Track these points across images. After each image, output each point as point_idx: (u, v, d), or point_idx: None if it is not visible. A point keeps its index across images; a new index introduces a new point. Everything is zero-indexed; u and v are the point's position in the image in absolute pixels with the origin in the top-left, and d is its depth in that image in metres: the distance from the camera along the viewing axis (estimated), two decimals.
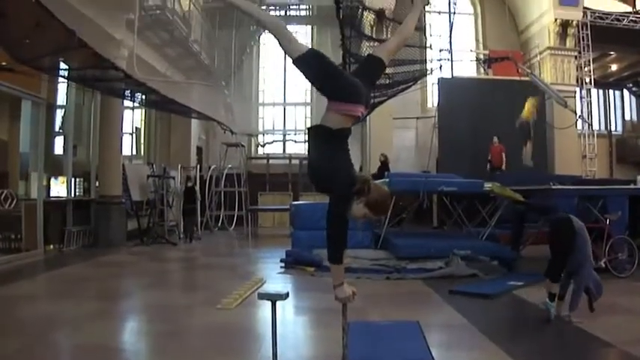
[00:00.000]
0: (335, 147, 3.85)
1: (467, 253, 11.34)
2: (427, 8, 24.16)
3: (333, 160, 3.81)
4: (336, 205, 3.73)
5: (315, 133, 3.94)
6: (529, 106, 20.64)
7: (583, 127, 23.01)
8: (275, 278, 10.92)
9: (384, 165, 19.55)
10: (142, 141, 22.32)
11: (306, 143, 4.01)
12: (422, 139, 23.22)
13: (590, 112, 23.57)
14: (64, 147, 15.68)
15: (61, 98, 15.65)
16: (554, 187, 11.78)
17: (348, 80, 3.89)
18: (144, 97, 14.66)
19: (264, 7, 25.90)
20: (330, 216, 3.73)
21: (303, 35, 26.98)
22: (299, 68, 3.90)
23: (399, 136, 22.59)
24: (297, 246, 13.07)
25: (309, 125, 3.99)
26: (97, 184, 16.34)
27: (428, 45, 20.19)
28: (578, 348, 6.32)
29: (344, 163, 3.85)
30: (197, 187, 18.68)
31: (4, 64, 10.62)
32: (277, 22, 4.02)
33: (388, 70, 16.26)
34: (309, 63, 3.86)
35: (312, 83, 4.08)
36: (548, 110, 21.00)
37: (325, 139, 3.85)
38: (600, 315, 7.18)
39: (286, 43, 3.90)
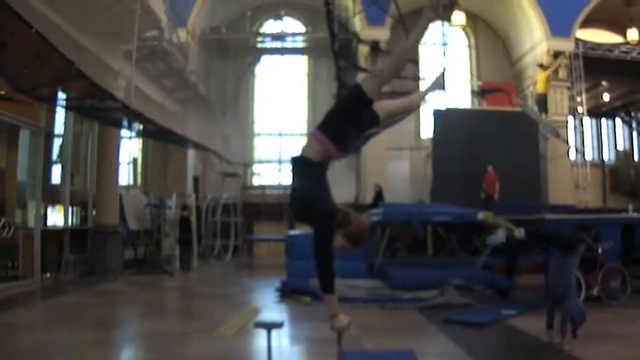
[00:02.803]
0: (315, 178, 3.97)
1: (461, 283, 11.38)
2: (420, 40, 24.43)
3: (313, 191, 3.94)
4: (321, 237, 3.85)
5: (298, 164, 4.08)
6: (541, 78, 20.86)
7: (576, 157, 23.13)
8: (271, 307, 10.96)
9: (379, 195, 19.63)
10: (139, 170, 22.39)
11: (290, 172, 4.14)
12: (416, 169, 23.34)
13: (582, 142, 23.72)
14: (61, 176, 15.74)
15: (59, 127, 15.71)
16: (547, 217, 11.87)
17: (352, 137, 4.08)
18: (141, 127, 14.76)
19: (260, 39, 26.22)
20: (316, 249, 3.84)
21: (299, 66, 27.24)
22: (355, 88, 4.13)
23: (393, 166, 22.70)
24: (293, 275, 13.11)
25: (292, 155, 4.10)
26: (94, 213, 16.37)
27: (422, 77, 20.45)
28: None
29: (324, 194, 3.97)
30: (193, 218, 18.48)
31: (2, 93, 10.71)
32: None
33: (384, 102, 16.47)
34: (359, 100, 4.03)
35: (339, 106, 4.26)
36: (541, 140, 21.14)
37: (307, 170, 3.99)
38: (593, 342, 7.27)
39: (379, 74, 4.23)
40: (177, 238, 17.62)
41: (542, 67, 20.14)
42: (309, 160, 3.99)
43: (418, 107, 5.58)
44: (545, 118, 20.90)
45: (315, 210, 3.91)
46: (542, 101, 21.17)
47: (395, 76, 4.37)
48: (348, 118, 4.07)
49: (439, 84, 4.75)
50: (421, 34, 4.28)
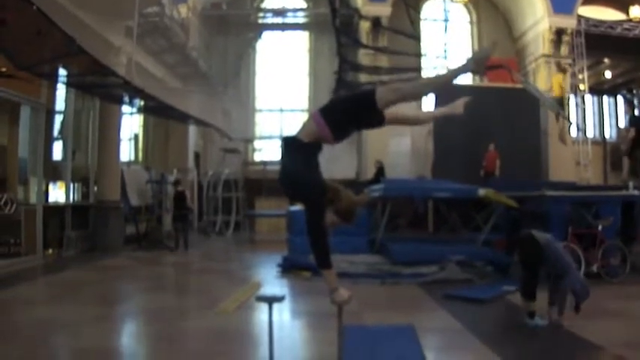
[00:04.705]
0: (306, 158, 4.02)
1: (462, 259, 11.42)
2: (422, 16, 24.43)
3: (303, 170, 3.99)
4: (313, 214, 3.90)
5: (289, 144, 4.12)
6: (556, 82, 20.68)
7: (577, 134, 23.10)
8: (272, 282, 11.04)
9: (380, 171, 19.64)
10: (141, 146, 22.41)
11: (280, 151, 4.21)
12: (417, 145, 23.26)
13: (584, 119, 23.67)
14: (63, 152, 15.75)
15: (60, 104, 15.68)
16: (547, 193, 11.89)
17: (350, 130, 4.17)
18: (142, 103, 14.76)
19: (261, 15, 26.19)
20: (309, 226, 3.90)
21: (300, 42, 27.16)
22: (369, 93, 4.12)
23: (394, 142, 22.65)
24: (294, 251, 13.13)
25: (284, 135, 4.18)
26: (96, 189, 16.40)
27: (423, 53, 20.35)
28: (569, 351, 6.43)
29: (314, 173, 4.02)
30: (188, 192, 18.18)
31: (3, 70, 10.70)
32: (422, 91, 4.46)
33: (385, 78, 16.40)
34: (368, 106, 4.07)
35: (347, 100, 4.32)
36: (542, 117, 21.08)
37: (298, 150, 4.03)
38: (592, 319, 7.30)
39: (398, 93, 4.18)
40: (172, 215, 17.46)
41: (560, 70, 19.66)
42: (301, 141, 4.04)
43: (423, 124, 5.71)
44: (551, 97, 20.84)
45: (305, 188, 3.96)
46: (560, 104, 20.80)
47: (411, 100, 4.38)
48: (351, 115, 4.11)
49: (455, 112, 4.63)
50: (455, 77, 4.24)
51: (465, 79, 24.42)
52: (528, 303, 7.36)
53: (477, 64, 4.14)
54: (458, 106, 4.55)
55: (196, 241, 17.82)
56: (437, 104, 19.87)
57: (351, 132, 4.26)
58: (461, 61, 4.20)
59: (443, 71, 4.32)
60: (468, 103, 4.54)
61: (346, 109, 4.15)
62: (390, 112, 4.24)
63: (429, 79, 4.56)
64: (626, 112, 18.98)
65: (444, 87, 4.26)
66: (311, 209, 3.94)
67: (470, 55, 3.88)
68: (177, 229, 16.93)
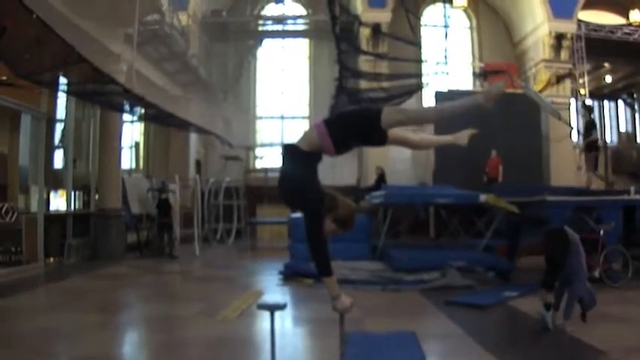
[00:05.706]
0: (305, 166, 4.03)
1: (463, 265, 11.39)
2: (422, 22, 24.47)
3: (303, 177, 4.01)
4: (311, 222, 3.91)
5: (289, 152, 4.13)
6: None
7: (578, 139, 23.08)
8: (274, 290, 11.01)
9: (381, 178, 19.62)
10: (141, 154, 22.42)
11: (281, 159, 4.21)
12: (418, 151, 23.27)
13: (584, 124, 23.65)
14: (63, 160, 15.77)
15: (61, 112, 15.71)
16: (548, 198, 11.87)
17: (352, 145, 4.24)
18: (143, 111, 14.76)
19: (261, 22, 26.22)
20: (308, 234, 3.92)
21: (300, 49, 27.20)
22: (375, 113, 4.10)
23: (395, 148, 22.57)
24: (296, 258, 13.11)
25: (284, 142, 4.21)
26: (97, 197, 16.40)
27: (423, 59, 20.33)
28: (572, 357, 6.42)
29: (312, 181, 4.02)
30: (172, 201, 17.76)
31: (4, 78, 10.72)
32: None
33: (385, 85, 16.39)
34: (372, 125, 4.09)
35: (352, 115, 4.31)
36: (543, 122, 21.08)
37: (298, 158, 4.05)
38: (595, 324, 7.27)
39: (403, 115, 4.27)
40: (157, 223, 17.38)
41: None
42: (302, 149, 4.04)
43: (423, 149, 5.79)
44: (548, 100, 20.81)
45: (303, 196, 3.98)
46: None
47: (416, 124, 4.43)
48: (354, 130, 4.12)
49: (459, 142, 4.63)
50: (463, 109, 4.21)
51: (466, 85, 24.51)
52: (547, 294, 7.38)
53: (488, 99, 4.13)
54: (462, 137, 4.59)
55: (177, 253, 17.44)
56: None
57: (353, 147, 4.27)
58: (471, 95, 4.20)
59: (452, 103, 4.32)
60: (473, 135, 4.57)
61: (351, 123, 4.15)
62: (393, 132, 4.25)
63: (436, 107, 4.60)
64: (583, 116, 19.00)
65: (449, 117, 4.27)
66: (309, 217, 3.95)
67: (481, 89, 3.91)
68: (165, 237, 16.93)
